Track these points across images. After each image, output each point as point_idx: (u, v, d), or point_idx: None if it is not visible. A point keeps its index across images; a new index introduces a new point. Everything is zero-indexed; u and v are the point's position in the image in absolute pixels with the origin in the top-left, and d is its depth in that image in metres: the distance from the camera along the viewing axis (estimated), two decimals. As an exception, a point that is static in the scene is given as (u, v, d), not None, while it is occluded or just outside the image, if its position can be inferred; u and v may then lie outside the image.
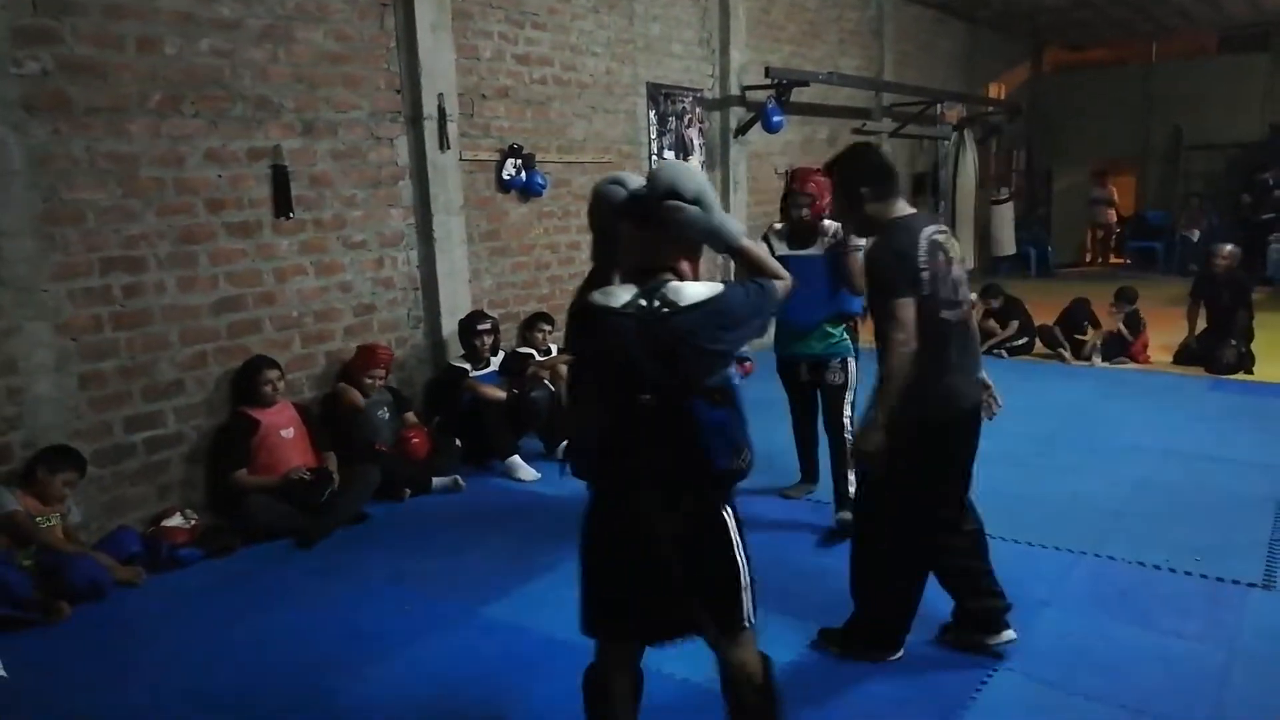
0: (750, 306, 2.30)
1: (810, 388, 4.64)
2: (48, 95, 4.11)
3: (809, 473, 5.00)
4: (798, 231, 4.46)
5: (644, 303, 2.23)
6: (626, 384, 2.23)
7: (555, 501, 5.04)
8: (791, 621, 3.59)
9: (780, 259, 4.23)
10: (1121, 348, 8.08)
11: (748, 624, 2.35)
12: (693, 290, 2.25)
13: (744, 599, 2.32)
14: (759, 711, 2.42)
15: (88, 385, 4.35)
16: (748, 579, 2.32)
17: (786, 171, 9.38)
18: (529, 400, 5.80)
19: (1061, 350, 8.35)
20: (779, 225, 4.59)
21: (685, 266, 2.34)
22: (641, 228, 2.30)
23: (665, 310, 2.20)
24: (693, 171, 2.42)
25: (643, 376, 2.20)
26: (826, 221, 4.39)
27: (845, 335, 4.51)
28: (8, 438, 4.06)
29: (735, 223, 2.45)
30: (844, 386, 4.50)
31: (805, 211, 4.38)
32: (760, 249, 2.60)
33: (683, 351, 2.19)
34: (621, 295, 2.26)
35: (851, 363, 4.53)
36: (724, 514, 2.30)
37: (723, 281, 2.37)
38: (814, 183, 4.35)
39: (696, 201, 2.28)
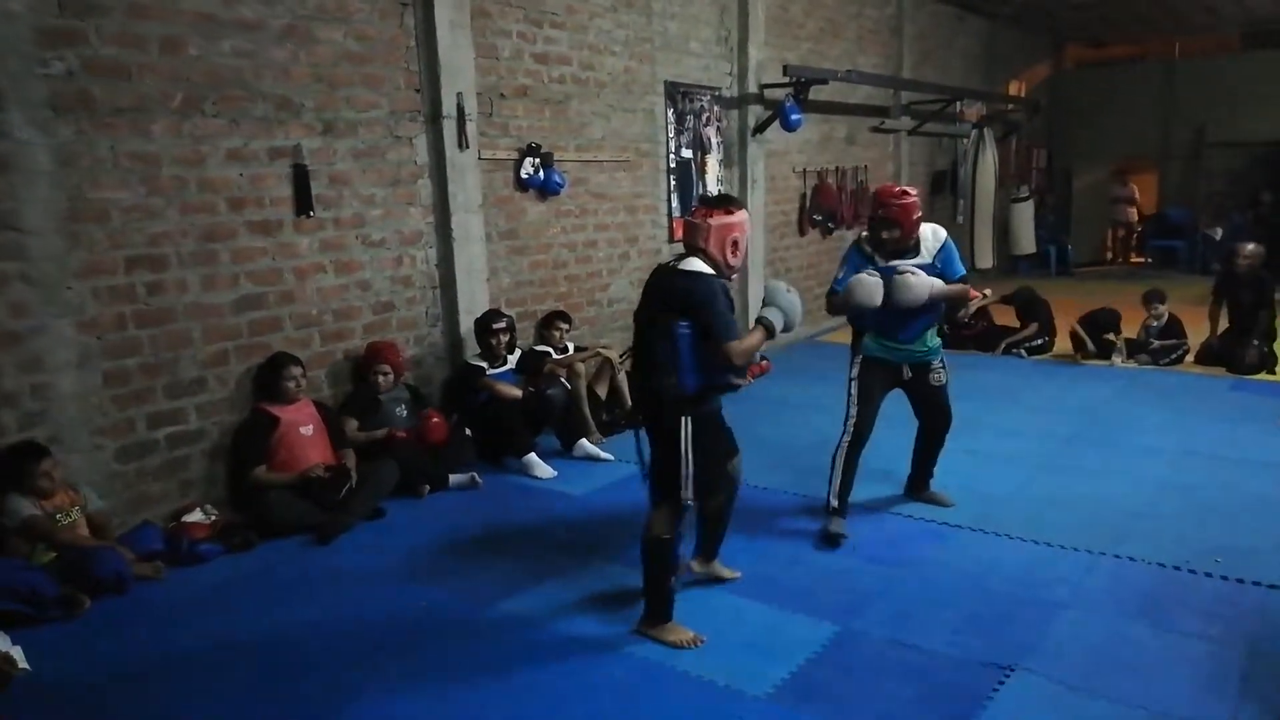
0: (701, 303, 3.22)
1: (895, 388, 4.51)
2: (73, 95, 4.16)
3: (844, 504, 4.49)
4: (890, 249, 4.28)
5: (670, 263, 3.40)
6: (640, 313, 3.43)
7: (571, 500, 5.06)
8: (809, 620, 3.60)
9: (878, 270, 4.23)
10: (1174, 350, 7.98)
11: (685, 500, 3.36)
12: (692, 264, 3.31)
13: (682, 484, 3.32)
14: (645, 554, 3.44)
15: (111, 382, 4.40)
16: (689, 471, 3.32)
17: (807, 184, 9.40)
18: (545, 398, 5.82)
19: (1079, 354, 8.25)
20: (869, 244, 4.38)
21: (708, 253, 3.35)
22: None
23: (671, 269, 3.34)
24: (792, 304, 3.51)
25: (644, 309, 3.40)
26: (924, 228, 4.31)
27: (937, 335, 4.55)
28: (32, 434, 4.10)
29: (778, 320, 3.46)
30: (947, 384, 4.58)
31: (896, 233, 4.22)
32: (755, 343, 3.38)
33: (661, 296, 3.31)
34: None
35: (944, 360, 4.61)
36: (682, 420, 3.30)
37: (714, 276, 3.30)
38: (899, 206, 4.21)
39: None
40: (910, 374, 4.47)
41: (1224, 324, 7.94)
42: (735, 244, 3.37)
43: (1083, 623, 3.54)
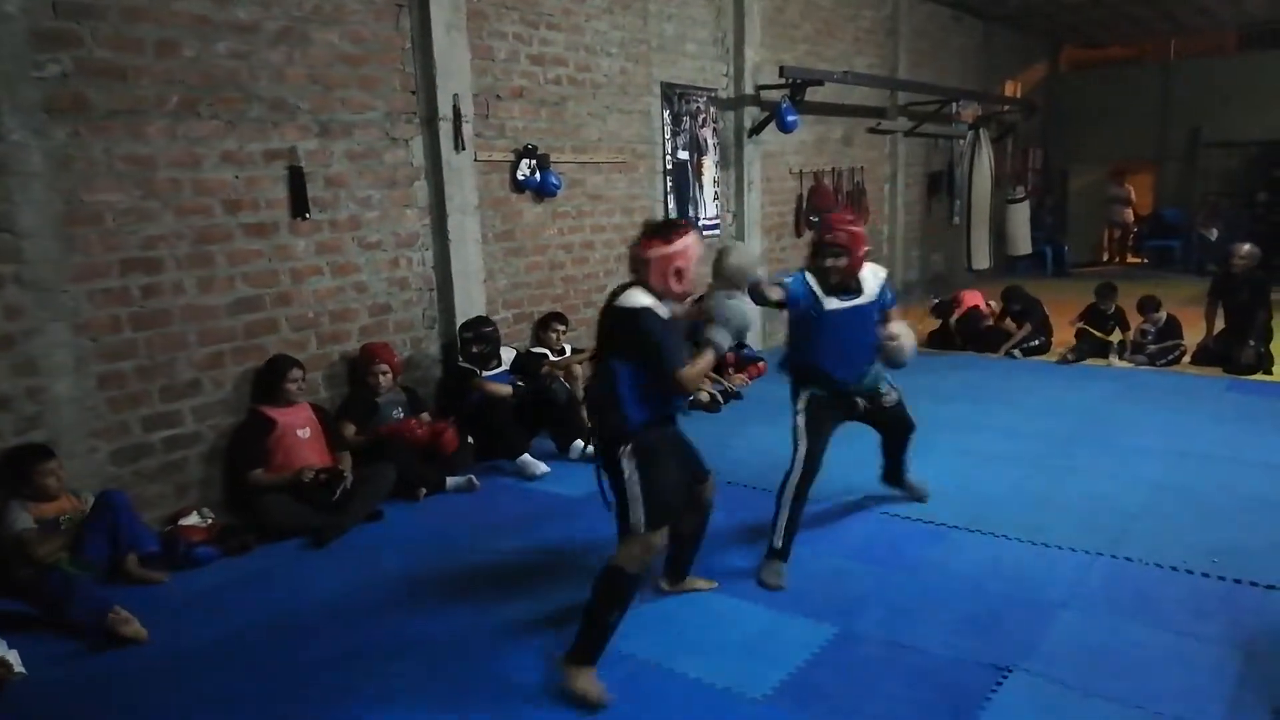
0: (640, 341, 3.10)
1: (851, 419, 4.28)
2: (67, 98, 4.15)
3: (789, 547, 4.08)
4: (834, 282, 4.03)
5: (614, 292, 3.28)
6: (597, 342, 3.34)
7: (568, 502, 5.05)
8: (806, 622, 3.60)
9: (828, 314, 4.03)
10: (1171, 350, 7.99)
11: (638, 530, 3.18)
12: (630, 297, 3.16)
13: (633, 513, 3.19)
14: (598, 580, 3.20)
15: (107, 385, 4.39)
16: (639, 501, 3.17)
17: (806, 198, 9.40)
18: (543, 399, 5.81)
19: (1069, 355, 8.25)
20: (812, 276, 4.08)
21: (649, 283, 3.18)
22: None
23: (612, 307, 3.22)
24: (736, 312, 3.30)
25: (598, 339, 3.32)
26: (867, 267, 4.08)
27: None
28: (28, 437, 4.09)
29: (724, 339, 3.28)
30: (901, 398, 4.44)
31: (842, 262, 3.97)
32: (704, 366, 3.27)
33: (603, 333, 3.27)
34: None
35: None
36: (621, 454, 3.18)
37: (649, 309, 3.11)
38: (846, 232, 3.98)
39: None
40: (864, 405, 4.26)
41: (1220, 324, 7.95)
42: (679, 272, 3.18)
43: (1080, 623, 3.54)
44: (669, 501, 3.25)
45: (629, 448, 3.18)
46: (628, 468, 3.18)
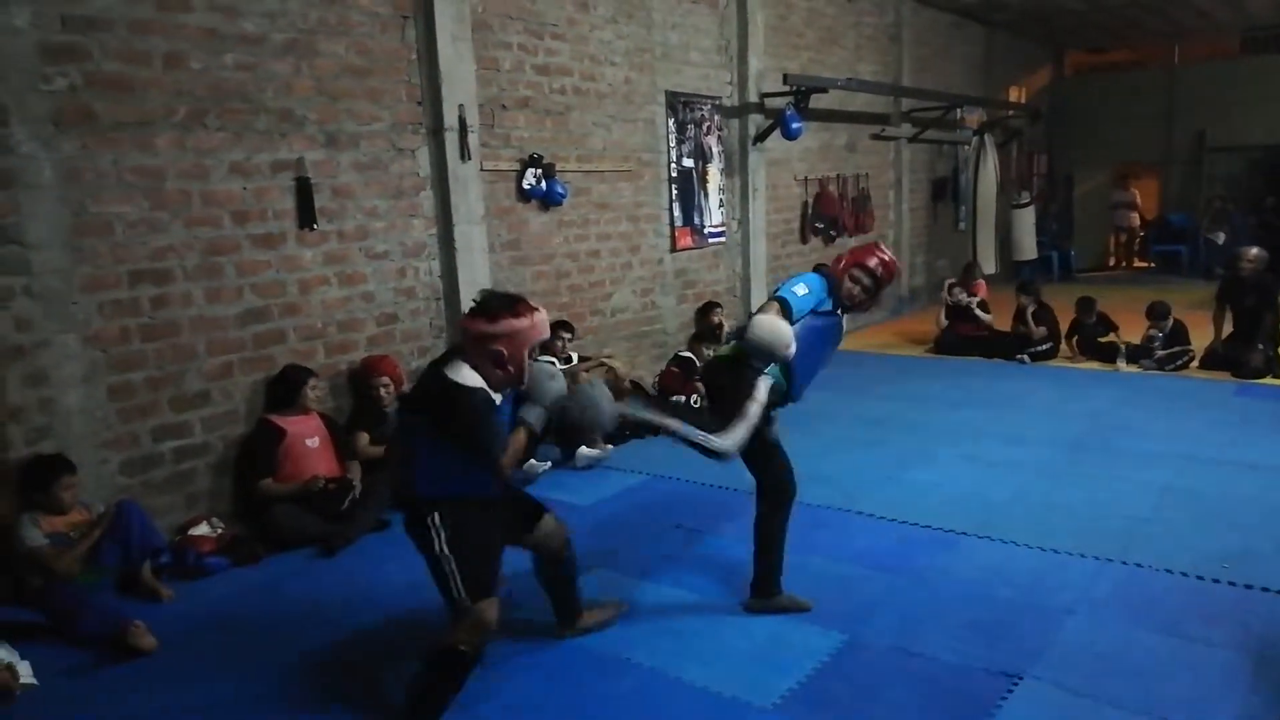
0: (461, 427, 2.83)
1: None
2: (76, 110, 4.18)
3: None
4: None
5: (444, 356, 3.02)
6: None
7: (577, 511, 5.05)
8: (814, 630, 3.59)
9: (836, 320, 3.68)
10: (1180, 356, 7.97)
11: (465, 605, 2.90)
12: (458, 370, 2.86)
13: (453, 587, 2.91)
14: (431, 662, 2.95)
15: (116, 396, 4.40)
16: (453, 570, 2.90)
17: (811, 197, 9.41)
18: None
19: (1080, 355, 8.28)
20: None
21: (473, 360, 2.89)
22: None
23: (437, 371, 2.91)
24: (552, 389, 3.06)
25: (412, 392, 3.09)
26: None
27: None
28: (39, 448, 4.11)
29: (534, 417, 3.00)
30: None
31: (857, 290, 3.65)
32: (515, 450, 2.95)
33: (422, 393, 2.98)
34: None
35: None
36: (429, 519, 2.91)
37: (483, 393, 2.85)
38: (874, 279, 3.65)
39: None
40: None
41: (1228, 328, 7.94)
42: (499, 358, 2.86)
43: (1090, 629, 3.53)
44: (489, 568, 3.00)
45: (437, 516, 2.91)
46: (437, 539, 2.90)
